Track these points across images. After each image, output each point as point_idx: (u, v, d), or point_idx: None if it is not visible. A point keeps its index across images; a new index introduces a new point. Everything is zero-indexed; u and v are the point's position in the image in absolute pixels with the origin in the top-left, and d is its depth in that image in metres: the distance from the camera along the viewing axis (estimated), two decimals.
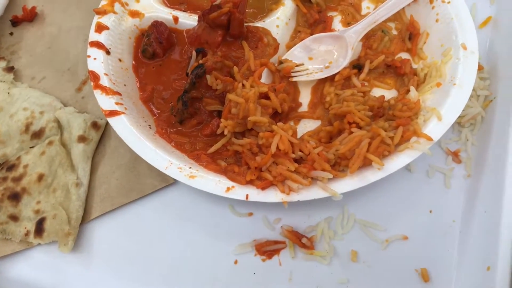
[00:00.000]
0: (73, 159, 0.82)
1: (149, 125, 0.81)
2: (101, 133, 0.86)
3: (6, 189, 0.79)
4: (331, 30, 0.93)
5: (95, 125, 0.85)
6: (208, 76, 0.80)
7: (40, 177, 0.79)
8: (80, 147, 0.82)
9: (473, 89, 0.83)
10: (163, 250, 0.77)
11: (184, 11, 0.96)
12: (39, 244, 0.77)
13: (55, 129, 0.85)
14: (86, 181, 0.81)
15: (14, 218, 0.77)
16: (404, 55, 0.90)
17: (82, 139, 0.83)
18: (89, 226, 0.80)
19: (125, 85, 0.85)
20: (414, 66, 0.88)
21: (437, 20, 0.88)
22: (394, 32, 0.93)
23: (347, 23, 0.94)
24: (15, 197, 0.78)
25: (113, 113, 0.78)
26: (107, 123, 0.86)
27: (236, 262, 0.75)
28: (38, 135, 0.84)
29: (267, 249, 0.76)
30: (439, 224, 0.77)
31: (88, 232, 0.79)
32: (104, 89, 0.81)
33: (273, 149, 0.72)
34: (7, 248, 0.77)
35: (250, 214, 0.79)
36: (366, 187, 0.71)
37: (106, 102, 0.79)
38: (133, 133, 0.76)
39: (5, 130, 0.84)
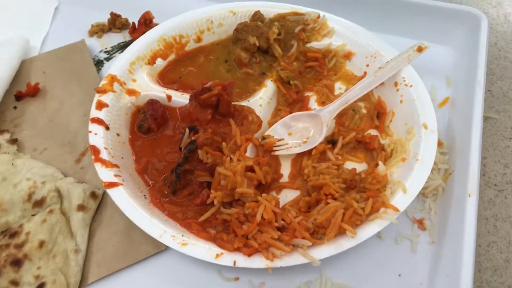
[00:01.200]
0: (72, 226, 0.88)
1: (144, 195, 0.89)
2: (98, 202, 0.93)
3: (8, 256, 0.84)
4: (308, 108, 1.04)
5: (93, 194, 0.92)
6: (199, 151, 0.89)
7: (41, 244, 0.85)
8: (80, 215, 0.89)
9: (435, 163, 0.93)
10: None
11: (176, 89, 1.06)
12: None
13: (55, 198, 0.91)
14: (84, 248, 0.87)
15: (15, 283, 0.82)
16: (373, 132, 1.01)
17: (81, 208, 0.89)
18: None
19: (122, 157, 0.93)
20: (382, 142, 0.99)
21: (401, 101, 1.00)
22: (364, 111, 1.05)
23: (322, 102, 1.05)
24: (17, 263, 0.83)
25: (112, 185, 0.85)
26: (104, 192, 0.93)
27: None
28: (39, 203, 0.91)
29: None
30: (407, 286, 0.85)
31: None
32: (104, 162, 0.89)
33: (258, 218, 0.80)
34: None
35: (237, 278, 0.86)
36: (341, 252, 0.80)
37: (105, 174, 0.87)
38: (131, 203, 0.84)
39: (9, 198, 0.90)
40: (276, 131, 0.99)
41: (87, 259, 0.87)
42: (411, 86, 1.00)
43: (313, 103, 1.06)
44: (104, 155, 0.90)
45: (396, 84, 1.02)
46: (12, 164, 0.95)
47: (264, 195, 0.84)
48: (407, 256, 0.89)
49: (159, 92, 1.03)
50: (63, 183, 0.93)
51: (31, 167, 0.95)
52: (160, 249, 0.88)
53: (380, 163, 0.91)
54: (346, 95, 1.01)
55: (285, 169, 0.97)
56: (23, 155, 0.99)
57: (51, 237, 0.86)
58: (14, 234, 0.87)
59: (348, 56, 1.11)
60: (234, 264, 0.78)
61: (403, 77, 1.02)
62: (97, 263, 0.86)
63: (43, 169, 0.95)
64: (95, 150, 0.90)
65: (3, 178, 0.93)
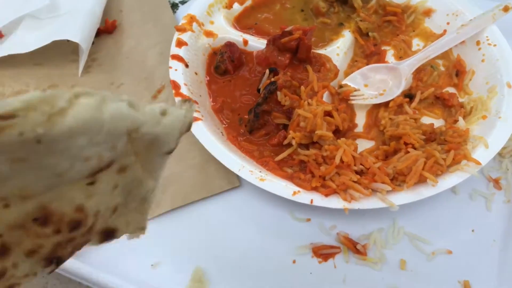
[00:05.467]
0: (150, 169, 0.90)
1: (222, 132, 0.90)
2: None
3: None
4: (385, 62, 1.03)
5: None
6: (278, 93, 0.89)
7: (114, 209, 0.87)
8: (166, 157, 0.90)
9: None
10: (226, 246, 0.84)
11: (252, 35, 1.06)
12: None
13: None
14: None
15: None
16: (451, 90, 0.99)
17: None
18: (159, 220, 0.87)
19: (200, 95, 0.94)
20: (461, 100, 0.97)
21: (483, 60, 0.98)
22: (442, 69, 1.03)
23: (399, 57, 1.04)
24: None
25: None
26: None
27: (294, 261, 0.82)
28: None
29: (323, 252, 0.83)
30: (481, 242, 0.84)
31: (157, 225, 0.86)
32: (184, 97, 0.90)
33: (337, 160, 0.80)
34: None
35: (308, 219, 0.86)
36: (416, 203, 0.79)
37: None
38: (210, 138, 0.85)
39: None
40: (354, 80, 0.98)
41: (162, 191, 0.88)
42: (494, 45, 0.98)
43: (390, 57, 1.04)
44: (184, 90, 0.91)
45: (478, 43, 1.00)
46: None
47: (343, 139, 0.84)
48: (481, 213, 0.87)
49: (236, 36, 1.03)
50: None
51: None
52: (234, 185, 0.89)
53: (460, 118, 0.89)
54: (425, 50, 0.99)
55: (360, 119, 0.96)
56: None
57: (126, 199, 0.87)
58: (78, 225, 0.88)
59: (428, 13, 1.09)
60: (311, 202, 0.79)
61: (486, 36, 0.99)
62: (172, 195, 0.88)
63: None
64: (176, 85, 0.91)
65: None
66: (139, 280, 0.80)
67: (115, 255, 0.82)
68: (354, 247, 0.82)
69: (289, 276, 0.81)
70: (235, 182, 0.89)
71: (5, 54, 1.00)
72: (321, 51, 1.01)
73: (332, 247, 0.83)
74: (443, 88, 0.99)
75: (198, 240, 0.85)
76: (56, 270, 0.69)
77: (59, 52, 1.06)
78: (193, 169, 0.90)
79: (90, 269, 0.78)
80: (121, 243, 0.81)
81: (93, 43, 1.09)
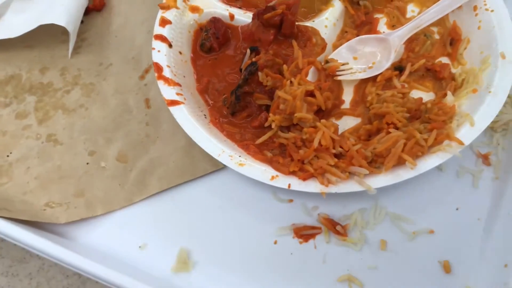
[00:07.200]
0: None
1: (204, 115, 0.90)
2: None
3: None
4: (376, 31, 0.99)
5: None
6: (259, 73, 0.87)
7: None
8: None
9: (508, 96, 0.86)
10: (210, 227, 0.86)
11: (239, 7, 1.03)
12: None
13: None
14: None
15: None
16: (444, 60, 0.95)
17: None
18: (146, 202, 0.89)
19: (184, 76, 0.94)
20: (453, 71, 0.93)
21: (479, 27, 0.93)
22: (437, 37, 0.98)
23: (392, 26, 1.00)
24: None
25: (174, 103, 0.87)
26: None
27: (275, 242, 0.84)
28: None
29: (304, 233, 0.84)
30: (465, 221, 0.83)
31: (144, 207, 0.89)
32: (166, 80, 0.90)
33: (315, 144, 0.80)
34: None
35: (291, 200, 0.87)
36: (398, 182, 0.78)
37: (168, 92, 0.88)
38: (191, 122, 0.85)
39: None
40: (341, 54, 0.95)
41: (149, 173, 0.90)
42: (492, 11, 0.92)
43: (382, 26, 1.00)
44: (166, 72, 0.91)
45: (475, 8, 0.94)
46: None
47: (323, 121, 0.83)
48: (467, 191, 0.86)
49: (222, 10, 1.01)
50: None
51: None
52: (218, 167, 0.90)
53: (449, 93, 0.86)
54: (419, 18, 0.94)
55: (347, 95, 0.94)
56: None
57: None
58: None
59: None
60: (289, 187, 0.79)
61: (484, 1, 0.93)
62: (159, 177, 0.90)
63: None
64: (158, 68, 0.91)
65: None
66: (128, 262, 0.84)
67: (104, 236, 0.86)
68: (334, 228, 0.83)
69: (271, 257, 0.83)
70: (219, 164, 0.90)
71: None
72: (308, 24, 0.98)
73: (313, 227, 0.85)
74: (436, 59, 0.95)
75: (183, 221, 0.87)
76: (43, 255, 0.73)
77: (49, 33, 1.06)
78: (179, 152, 0.92)
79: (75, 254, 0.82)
80: (111, 224, 0.86)
81: (82, 21, 1.09)
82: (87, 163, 0.92)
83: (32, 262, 0.89)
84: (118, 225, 0.88)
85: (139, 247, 0.85)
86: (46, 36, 1.07)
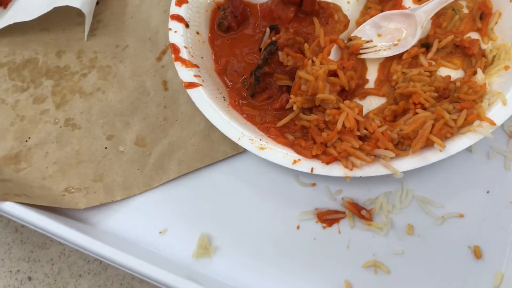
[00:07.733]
0: None
1: (223, 97, 0.88)
2: None
3: None
4: (401, 7, 0.94)
5: None
6: (280, 53, 0.84)
7: None
8: None
9: None
10: (231, 212, 0.84)
11: None
12: None
13: None
14: None
15: None
16: (474, 35, 0.90)
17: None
18: (166, 187, 0.88)
19: (202, 57, 0.91)
20: (483, 46, 0.88)
21: (511, 0, 0.88)
22: (465, 11, 0.93)
23: (418, 0, 0.95)
24: None
25: (192, 85, 0.84)
26: None
27: (298, 227, 0.82)
28: None
29: (327, 218, 0.82)
30: (495, 204, 0.80)
31: (163, 191, 0.88)
32: (184, 62, 0.87)
33: (339, 126, 0.77)
34: None
35: (313, 184, 0.85)
36: (427, 165, 0.75)
37: (185, 74, 0.86)
38: (210, 104, 0.83)
39: None
40: (364, 31, 0.91)
41: (168, 157, 0.89)
42: None
43: (407, 0, 0.95)
44: (184, 54, 0.88)
45: None
46: None
47: (346, 102, 0.80)
48: (498, 173, 0.82)
49: None
50: None
51: None
52: (239, 151, 0.88)
53: (479, 70, 0.82)
54: None
55: (372, 74, 0.90)
56: None
57: None
58: None
59: None
60: (311, 171, 0.77)
61: None
62: (178, 161, 0.88)
63: None
64: (175, 49, 0.89)
65: None
66: (148, 248, 0.83)
67: (124, 222, 0.85)
68: (359, 213, 0.81)
69: (293, 242, 0.81)
70: (239, 147, 0.87)
71: (11, 22, 1.00)
72: (330, 0, 0.94)
73: (337, 212, 0.82)
74: (464, 34, 0.90)
75: (204, 206, 0.86)
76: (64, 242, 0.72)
77: (65, 15, 1.04)
78: (198, 135, 0.90)
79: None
80: (130, 210, 0.85)
81: (97, 2, 1.07)
82: (106, 148, 0.91)
83: (53, 248, 0.89)
84: (138, 210, 0.87)
85: (159, 232, 0.84)
86: (61, 18, 1.05)
